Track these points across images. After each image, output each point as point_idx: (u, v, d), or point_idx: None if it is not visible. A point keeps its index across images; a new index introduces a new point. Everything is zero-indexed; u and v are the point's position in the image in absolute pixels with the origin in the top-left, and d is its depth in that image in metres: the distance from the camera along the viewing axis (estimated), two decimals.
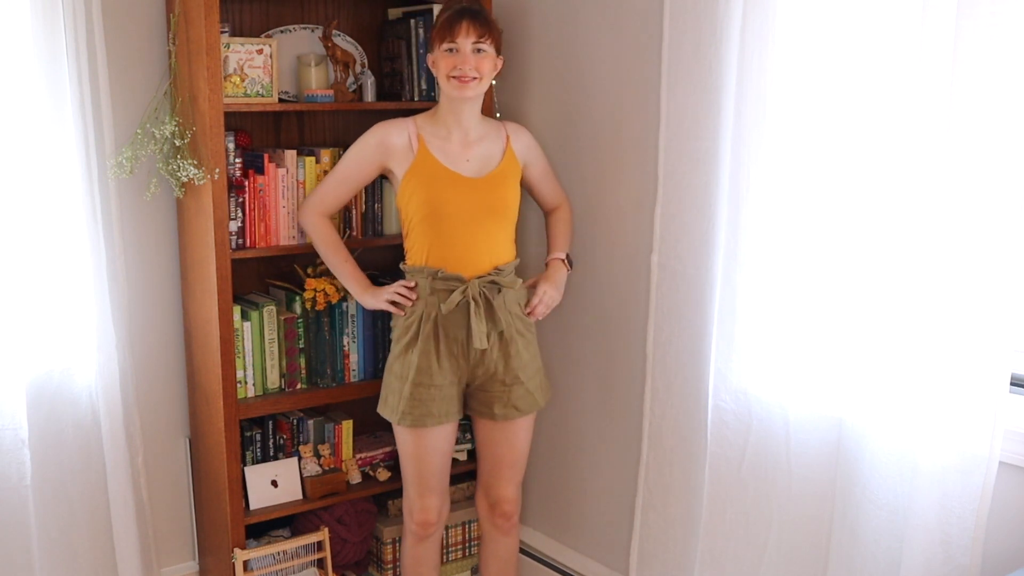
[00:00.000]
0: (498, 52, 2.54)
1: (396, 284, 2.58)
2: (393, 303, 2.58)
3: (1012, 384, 1.95)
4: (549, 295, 2.64)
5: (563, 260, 2.71)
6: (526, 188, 2.74)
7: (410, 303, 2.56)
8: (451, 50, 2.46)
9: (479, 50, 2.47)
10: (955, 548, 1.98)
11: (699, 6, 2.41)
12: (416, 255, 2.58)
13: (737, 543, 2.44)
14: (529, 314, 2.63)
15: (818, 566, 2.28)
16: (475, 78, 2.47)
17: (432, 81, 2.94)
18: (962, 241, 1.93)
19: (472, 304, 2.50)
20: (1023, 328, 1.95)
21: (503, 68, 2.61)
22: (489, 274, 2.54)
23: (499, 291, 2.55)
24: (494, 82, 2.66)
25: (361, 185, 2.69)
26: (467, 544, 3.19)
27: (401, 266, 2.64)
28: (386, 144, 2.57)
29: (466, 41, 2.45)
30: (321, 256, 2.70)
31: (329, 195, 2.66)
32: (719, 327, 2.43)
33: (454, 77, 2.46)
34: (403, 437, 2.62)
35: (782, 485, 2.32)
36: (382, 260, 3.12)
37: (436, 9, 2.89)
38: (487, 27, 2.48)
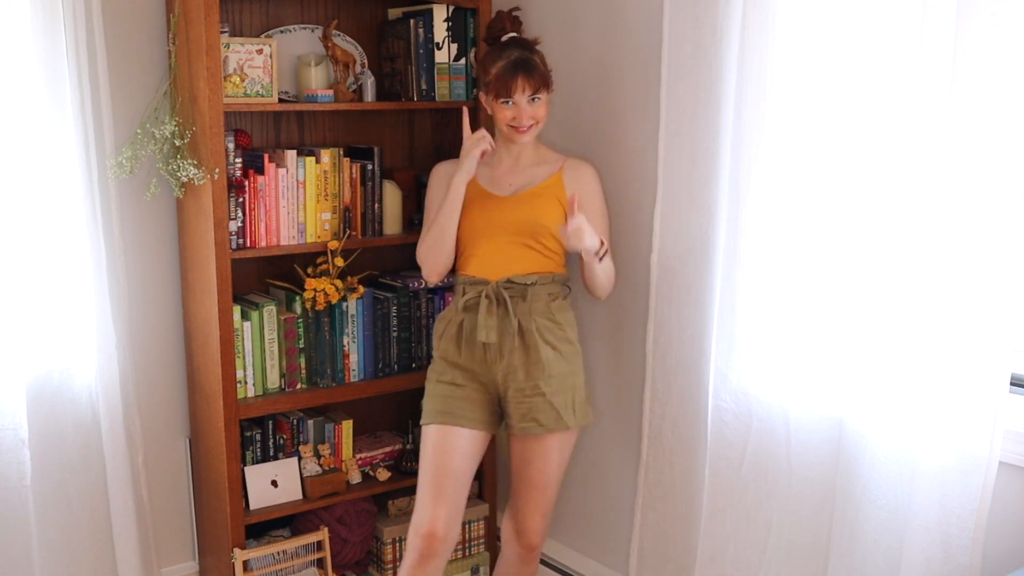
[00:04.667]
0: (550, 89, 2.54)
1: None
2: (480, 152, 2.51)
3: (1012, 384, 1.95)
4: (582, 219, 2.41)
5: (603, 242, 2.49)
6: None
7: (487, 140, 2.50)
8: (507, 102, 2.49)
9: (535, 99, 2.49)
10: (955, 548, 1.98)
11: (699, 6, 2.41)
12: (460, 270, 2.61)
13: (737, 543, 2.44)
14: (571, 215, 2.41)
15: (818, 566, 2.28)
16: (532, 125, 2.51)
17: (432, 81, 2.95)
18: (962, 241, 1.93)
19: (484, 300, 2.49)
20: (1023, 328, 1.95)
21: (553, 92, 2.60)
22: (510, 278, 2.51)
23: (524, 297, 2.51)
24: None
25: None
26: (467, 544, 3.19)
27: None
28: (443, 175, 2.63)
29: (522, 97, 2.48)
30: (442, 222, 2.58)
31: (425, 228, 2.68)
32: (719, 327, 2.43)
33: (512, 126, 2.51)
34: (424, 436, 2.57)
35: (782, 485, 2.32)
36: (382, 260, 3.12)
37: (436, 9, 2.89)
38: (540, 78, 2.49)
